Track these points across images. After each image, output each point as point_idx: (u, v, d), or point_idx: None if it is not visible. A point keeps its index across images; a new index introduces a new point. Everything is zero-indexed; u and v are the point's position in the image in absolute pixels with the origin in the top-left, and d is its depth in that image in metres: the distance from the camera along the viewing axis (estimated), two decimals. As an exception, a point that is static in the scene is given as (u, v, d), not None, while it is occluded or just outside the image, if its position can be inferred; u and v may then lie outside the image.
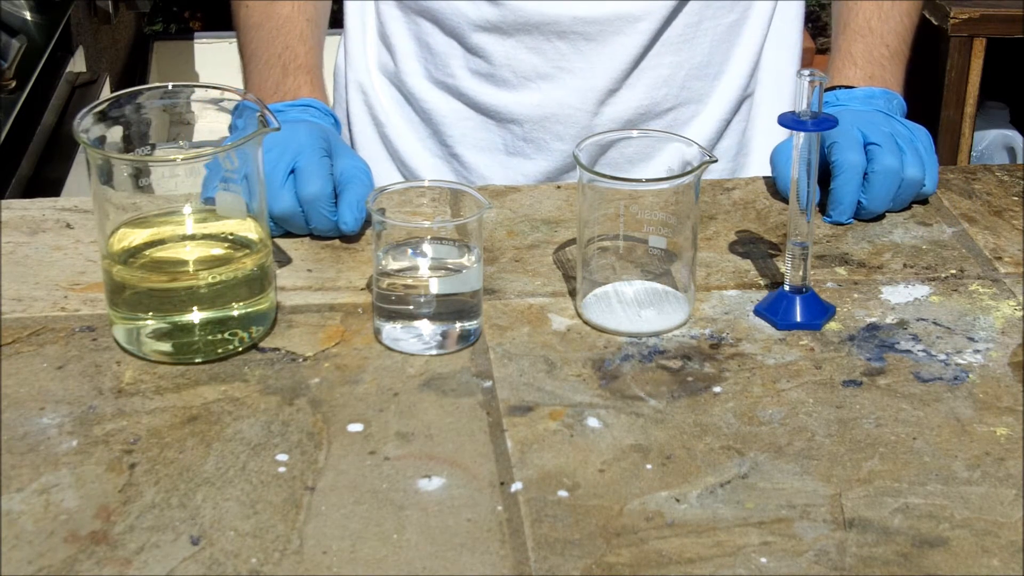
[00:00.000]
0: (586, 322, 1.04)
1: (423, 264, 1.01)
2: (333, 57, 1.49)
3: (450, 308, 1.00)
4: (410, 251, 1.01)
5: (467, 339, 1.01)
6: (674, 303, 1.04)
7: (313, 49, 1.30)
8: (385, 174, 1.40)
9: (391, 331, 1.01)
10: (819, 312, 1.05)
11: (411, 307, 1.00)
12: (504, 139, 1.38)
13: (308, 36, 1.30)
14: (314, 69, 1.28)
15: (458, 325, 1.01)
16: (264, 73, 1.28)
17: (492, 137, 1.38)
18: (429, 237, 1.01)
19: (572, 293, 1.07)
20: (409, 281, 1.00)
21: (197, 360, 0.99)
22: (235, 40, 1.38)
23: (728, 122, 1.40)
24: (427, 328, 1.00)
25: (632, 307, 1.04)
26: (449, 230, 1.01)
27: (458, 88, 1.37)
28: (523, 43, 1.33)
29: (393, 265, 1.00)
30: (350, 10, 1.44)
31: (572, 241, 1.12)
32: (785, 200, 1.20)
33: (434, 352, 1.00)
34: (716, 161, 1.02)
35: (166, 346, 0.98)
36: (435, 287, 1.00)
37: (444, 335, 1.00)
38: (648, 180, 1.04)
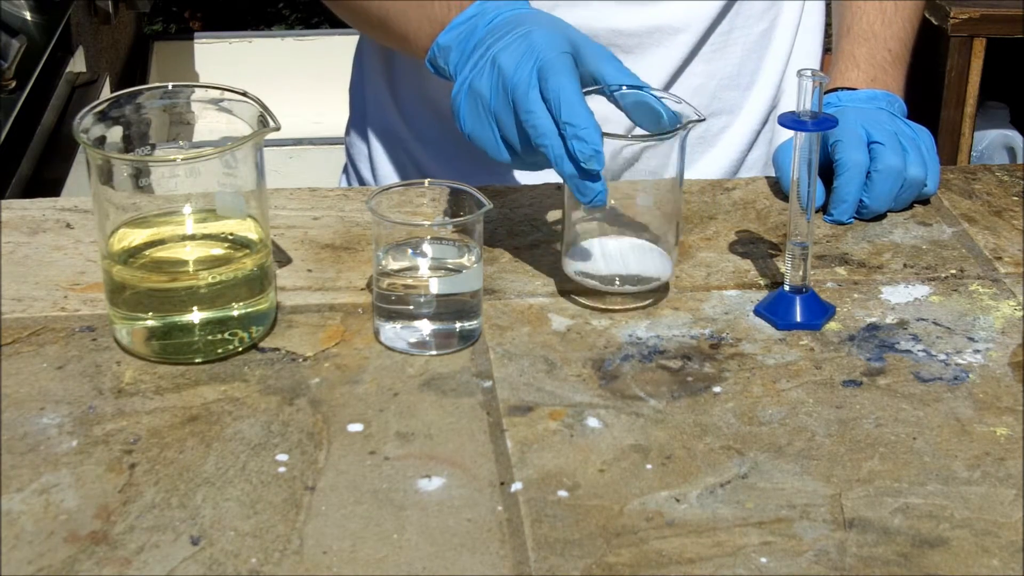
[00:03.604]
0: (568, 278, 1.04)
1: (423, 264, 1.01)
2: (343, 63, 1.44)
3: (450, 308, 1.00)
4: (410, 251, 1.01)
5: (467, 339, 1.01)
6: (658, 260, 1.05)
7: None
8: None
9: (391, 331, 1.01)
10: (819, 312, 1.05)
11: (411, 307, 1.00)
12: None
13: None
14: None
15: (458, 325, 1.01)
16: (424, 5, 1.14)
17: None
18: (429, 237, 1.01)
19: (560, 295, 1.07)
20: (409, 281, 1.00)
21: (197, 360, 0.99)
22: (234, 41, 1.34)
23: (758, 133, 1.39)
24: (427, 328, 1.00)
25: (616, 262, 1.04)
26: (449, 230, 1.01)
27: None
28: None
29: (393, 265, 1.00)
30: None
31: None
32: (787, 199, 1.20)
33: (434, 352, 1.00)
34: (704, 119, 1.02)
35: (165, 346, 0.98)
36: (435, 287, 1.00)
37: (444, 335, 1.00)
38: (633, 137, 1.04)
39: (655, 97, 1.03)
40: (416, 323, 1.00)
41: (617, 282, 1.04)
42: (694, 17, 1.30)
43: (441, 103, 1.36)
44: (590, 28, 1.29)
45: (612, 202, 1.04)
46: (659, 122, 1.03)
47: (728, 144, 1.38)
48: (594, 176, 0.99)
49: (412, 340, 1.00)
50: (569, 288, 1.08)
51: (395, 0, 1.17)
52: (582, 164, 0.98)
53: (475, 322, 1.02)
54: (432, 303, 1.00)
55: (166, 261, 1.00)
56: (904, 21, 1.33)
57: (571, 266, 1.05)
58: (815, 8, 1.40)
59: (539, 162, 1.04)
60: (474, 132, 1.06)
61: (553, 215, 1.19)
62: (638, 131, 1.06)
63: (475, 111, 1.05)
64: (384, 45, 1.35)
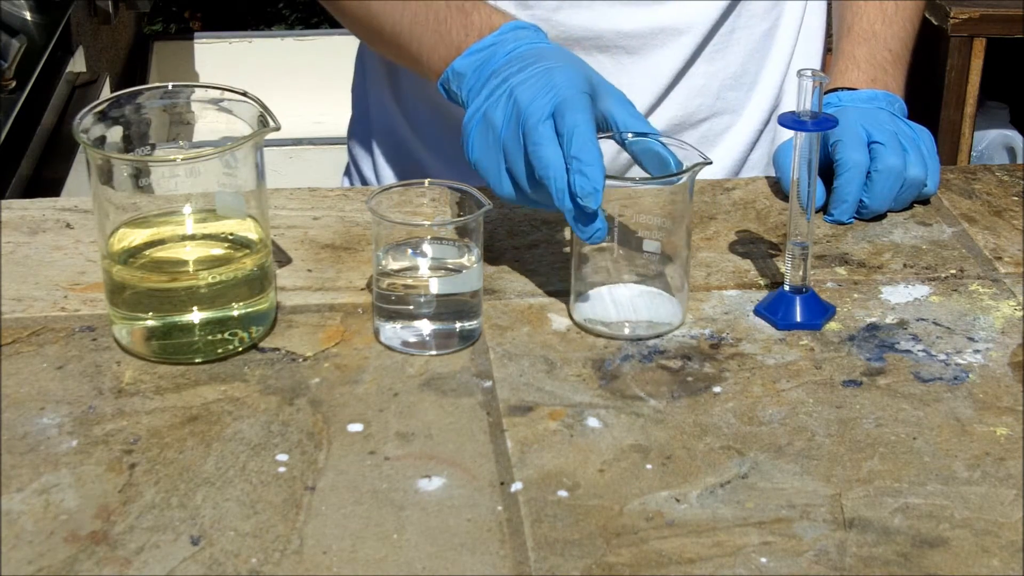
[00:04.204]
0: (578, 325, 1.04)
1: (423, 264, 1.01)
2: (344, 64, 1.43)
3: (450, 308, 1.00)
4: (410, 251, 1.01)
5: (467, 339, 1.01)
6: (668, 306, 1.04)
7: None
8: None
9: (391, 331, 1.01)
10: (819, 312, 1.05)
11: (411, 307, 1.00)
12: None
13: None
14: (488, 3, 1.16)
15: (458, 325, 1.01)
16: (446, 29, 1.14)
17: None
18: (429, 237, 1.01)
19: (565, 294, 1.07)
20: (409, 281, 1.00)
21: (197, 360, 0.99)
22: (234, 41, 1.34)
23: (760, 133, 1.39)
24: (427, 328, 1.00)
25: (626, 309, 1.04)
26: (449, 230, 1.01)
27: None
28: None
29: (393, 265, 1.00)
30: None
31: (566, 244, 1.12)
32: (787, 199, 1.20)
33: (434, 352, 1.00)
34: (710, 163, 1.02)
35: (165, 346, 0.99)
36: (435, 287, 1.00)
37: (444, 335, 1.00)
38: (641, 179, 1.04)
39: (663, 144, 1.03)
40: (416, 323, 1.00)
41: (627, 329, 1.03)
42: (697, 18, 1.30)
43: (444, 105, 1.36)
44: (594, 29, 1.29)
45: (620, 250, 1.03)
46: (667, 169, 1.03)
47: (731, 144, 1.37)
48: (591, 214, 0.98)
49: (412, 340, 1.00)
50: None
51: (409, 19, 1.17)
52: (579, 200, 0.97)
53: (475, 322, 1.02)
54: (432, 303, 1.00)
55: (166, 261, 1.00)
56: (905, 21, 1.33)
57: (580, 313, 1.04)
58: (817, 8, 1.40)
59: (539, 200, 1.03)
60: (480, 161, 1.05)
61: (553, 215, 1.19)
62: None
63: (485, 140, 1.04)
64: (392, 62, 1.34)
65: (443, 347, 1.00)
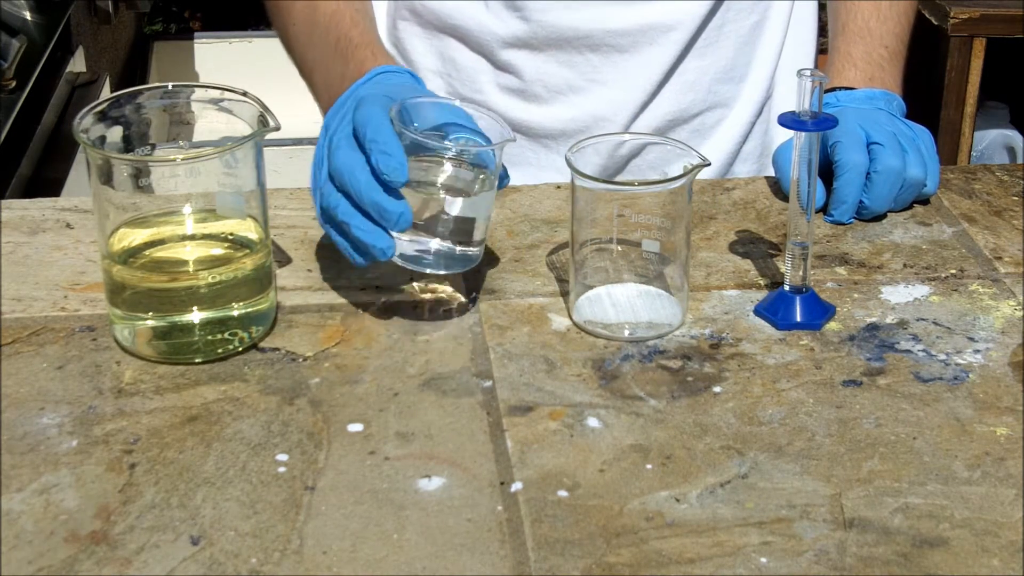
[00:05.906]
0: (578, 326, 1.04)
1: (439, 179, 1.00)
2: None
3: (457, 228, 0.99)
4: (428, 167, 1.00)
5: (467, 263, 1.00)
6: (668, 307, 1.04)
7: (367, 28, 1.22)
8: None
9: (398, 242, 0.99)
10: (819, 312, 1.05)
11: (421, 219, 0.98)
12: (536, 153, 1.36)
13: (359, 19, 1.23)
14: (372, 43, 1.20)
15: (459, 249, 0.99)
16: (329, 73, 1.21)
17: (523, 152, 1.36)
18: (448, 159, 1.00)
19: (564, 295, 1.07)
20: (423, 195, 0.99)
21: (197, 360, 0.99)
22: (234, 41, 1.36)
23: (753, 124, 1.39)
24: (432, 244, 0.99)
25: (626, 311, 1.04)
26: (469, 155, 0.99)
27: (486, 104, 1.34)
28: (554, 58, 1.32)
29: (412, 176, 0.98)
30: None
31: (566, 244, 1.12)
32: (787, 199, 1.20)
33: (430, 271, 0.99)
34: (709, 164, 1.02)
35: (165, 346, 0.99)
36: (447, 205, 0.99)
37: (446, 255, 0.99)
38: (640, 183, 1.04)
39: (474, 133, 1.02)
40: (422, 236, 0.98)
41: (627, 331, 1.03)
42: (686, 14, 1.31)
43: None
44: (584, 29, 1.29)
45: (619, 248, 1.03)
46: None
47: (723, 136, 1.38)
48: (396, 194, 0.96)
49: (413, 253, 0.99)
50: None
51: (310, 57, 1.24)
52: (385, 177, 0.95)
53: (477, 249, 1.01)
54: (439, 219, 0.98)
55: (166, 261, 1.00)
56: (899, 15, 1.33)
57: (579, 315, 1.04)
58: None
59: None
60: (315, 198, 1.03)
61: (553, 215, 1.19)
62: (646, 177, 1.05)
63: (316, 175, 1.03)
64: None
65: (442, 267, 0.99)
